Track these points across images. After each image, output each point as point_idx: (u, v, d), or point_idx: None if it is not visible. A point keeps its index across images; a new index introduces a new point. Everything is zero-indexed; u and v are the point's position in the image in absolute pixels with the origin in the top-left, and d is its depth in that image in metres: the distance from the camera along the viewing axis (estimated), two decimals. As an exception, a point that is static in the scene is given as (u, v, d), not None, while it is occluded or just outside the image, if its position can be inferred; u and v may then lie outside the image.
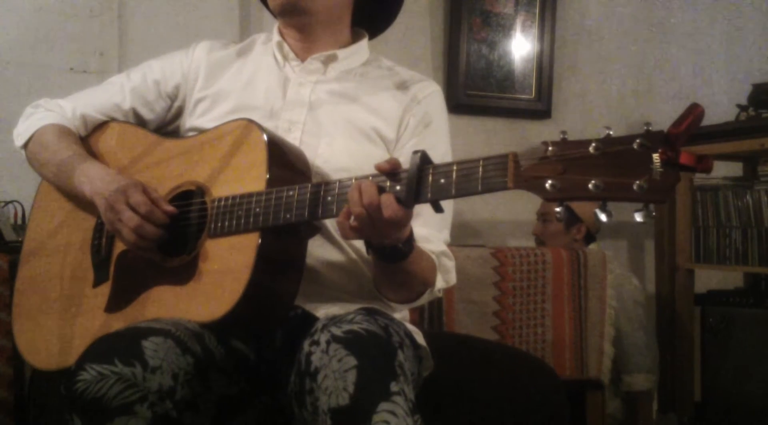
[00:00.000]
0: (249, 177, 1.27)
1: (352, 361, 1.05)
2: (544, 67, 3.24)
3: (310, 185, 1.21)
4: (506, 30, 3.21)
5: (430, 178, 1.08)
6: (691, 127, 0.90)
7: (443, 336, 2.03)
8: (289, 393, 1.16)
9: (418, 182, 1.09)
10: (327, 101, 1.45)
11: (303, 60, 1.48)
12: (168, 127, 1.56)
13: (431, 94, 1.49)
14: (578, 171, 0.94)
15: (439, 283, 1.38)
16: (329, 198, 1.18)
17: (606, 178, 0.92)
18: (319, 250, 1.36)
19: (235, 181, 1.28)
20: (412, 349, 1.26)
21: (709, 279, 3.22)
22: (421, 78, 1.52)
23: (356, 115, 1.44)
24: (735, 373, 2.79)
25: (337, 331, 1.10)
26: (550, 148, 0.97)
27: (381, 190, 1.11)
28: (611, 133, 0.94)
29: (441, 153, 1.42)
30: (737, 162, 3.20)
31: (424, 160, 1.10)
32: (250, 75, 1.49)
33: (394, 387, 1.05)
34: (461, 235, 3.05)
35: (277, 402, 1.27)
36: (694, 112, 0.91)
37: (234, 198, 1.26)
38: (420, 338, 1.36)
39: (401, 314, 1.45)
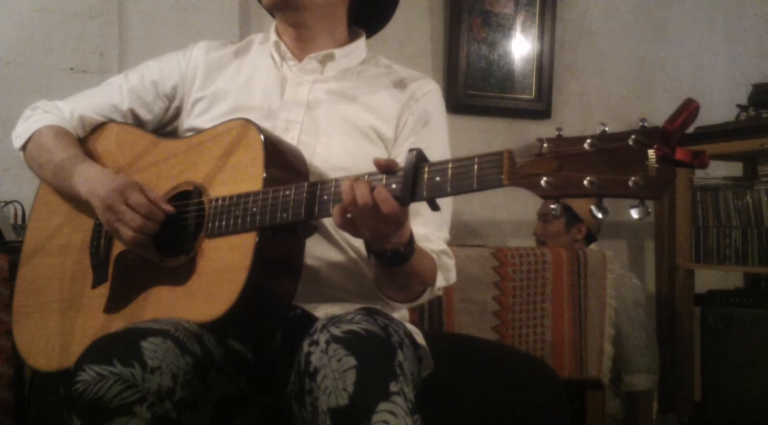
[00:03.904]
0: (246, 177, 1.26)
1: (351, 361, 1.05)
2: (544, 67, 3.25)
3: (306, 184, 1.20)
4: (506, 30, 3.21)
5: (426, 176, 1.08)
6: (686, 123, 0.89)
7: (443, 336, 2.02)
8: (289, 393, 1.16)
9: (414, 180, 1.08)
10: (325, 100, 1.44)
11: (300, 59, 1.47)
12: (166, 127, 1.56)
13: (429, 91, 1.48)
14: (574, 168, 0.93)
15: (440, 282, 1.38)
16: (326, 197, 1.17)
17: (602, 175, 0.91)
18: (318, 250, 1.36)
19: (233, 181, 1.28)
20: (411, 349, 1.25)
21: (709, 279, 3.22)
22: (419, 76, 1.52)
23: (354, 113, 1.44)
24: (735, 373, 2.78)
25: (336, 331, 1.09)
26: (545, 145, 0.96)
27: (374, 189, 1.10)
28: (606, 129, 0.94)
29: (439, 151, 1.42)
30: (737, 162, 3.20)
31: (419, 158, 1.09)
32: (247, 75, 1.49)
33: (393, 387, 1.04)
34: (461, 235, 3.05)
35: (277, 402, 1.27)
36: (689, 107, 0.90)
37: (231, 198, 1.26)
38: (420, 338, 1.36)
39: (401, 314, 1.45)
